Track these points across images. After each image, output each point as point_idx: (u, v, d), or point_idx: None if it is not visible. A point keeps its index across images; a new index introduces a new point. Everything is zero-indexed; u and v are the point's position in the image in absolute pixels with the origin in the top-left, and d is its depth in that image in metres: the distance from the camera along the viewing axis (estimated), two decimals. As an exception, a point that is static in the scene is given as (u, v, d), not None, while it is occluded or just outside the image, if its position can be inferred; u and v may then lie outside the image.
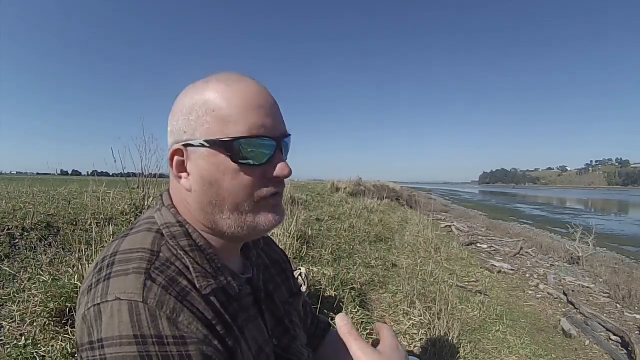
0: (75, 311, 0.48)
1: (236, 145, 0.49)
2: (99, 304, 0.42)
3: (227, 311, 0.51)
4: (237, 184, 0.50)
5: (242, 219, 0.52)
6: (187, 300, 0.46)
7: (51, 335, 1.29)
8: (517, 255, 5.99)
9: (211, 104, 0.50)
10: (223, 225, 0.52)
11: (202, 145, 0.49)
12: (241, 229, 0.52)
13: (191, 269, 0.49)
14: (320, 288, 2.20)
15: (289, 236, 2.97)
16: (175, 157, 0.52)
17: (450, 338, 2.17)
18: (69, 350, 1.22)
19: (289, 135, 0.56)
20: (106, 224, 2.26)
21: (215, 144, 0.49)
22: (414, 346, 2.11)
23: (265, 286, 0.64)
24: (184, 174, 0.53)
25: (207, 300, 0.48)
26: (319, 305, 2.03)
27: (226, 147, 0.49)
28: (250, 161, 0.50)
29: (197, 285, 0.48)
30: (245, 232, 0.53)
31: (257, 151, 0.50)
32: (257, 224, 0.52)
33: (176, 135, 0.52)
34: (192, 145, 0.50)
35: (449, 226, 8.76)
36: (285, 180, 0.55)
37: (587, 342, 2.75)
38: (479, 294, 3.41)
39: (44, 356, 1.18)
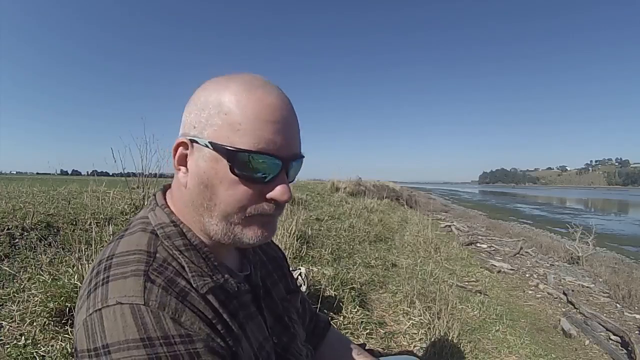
0: (75, 312, 0.48)
1: (239, 157, 0.47)
2: (100, 309, 0.42)
3: (227, 309, 0.50)
4: (232, 195, 0.48)
5: (230, 229, 0.50)
6: (188, 301, 0.45)
7: (51, 335, 1.29)
8: (517, 255, 5.99)
9: (225, 106, 0.48)
10: (210, 230, 0.51)
11: (207, 147, 0.48)
12: (227, 237, 0.51)
13: (187, 268, 0.49)
14: (320, 288, 2.20)
15: (289, 236, 2.98)
16: (180, 149, 0.51)
17: (450, 338, 2.17)
18: (69, 350, 1.22)
19: (302, 157, 0.53)
20: (106, 224, 2.26)
21: (218, 149, 0.47)
22: (414, 346, 2.11)
23: (263, 283, 0.64)
24: (183, 169, 0.52)
25: (206, 300, 0.48)
26: (319, 305, 2.03)
27: (229, 156, 0.47)
28: (251, 177, 0.48)
29: (194, 285, 0.48)
30: (231, 242, 0.51)
31: (260, 168, 0.48)
32: (244, 236, 0.51)
33: (186, 127, 0.51)
34: (197, 142, 0.49)
35: (449, 226, 8.76)
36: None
37: (587, 342, 2.75)
38: (479, 294, 3.41)
39: (44, 356, 1.18)
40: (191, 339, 0.42)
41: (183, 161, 0.52)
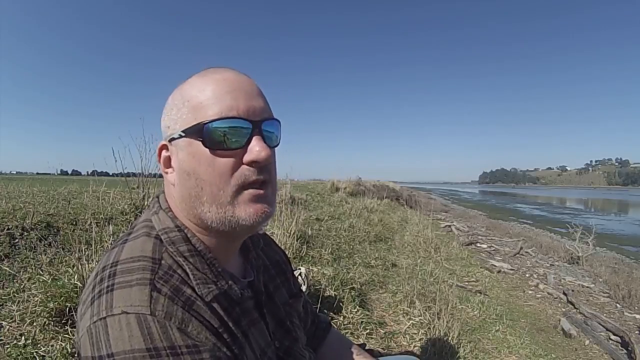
0: (75, 312, 0.48)
1: (207, 130, 0.47)
2: (105, 317, 0.41)
3: (230, 317, 0.50)
4: (213, 171, 0.48)
5: (223, 211, 0.49)
6: (194, 310, 0.45)
7: (51, 335, 1.28)
8: (517, 255, 5.99)
9: (187, 95, 0.50)
10: (207, 219, 0.50)
11: (181, 137, 0.50)
12: (223, 223, 0.49)
13: (191, 276, 0.48)
14: (320, 288, 2.20)
15: (289, 236, 2.97)
16: (162, 153, 0.53)
17: (450, 338, 2.17)
18: (69, 350, 1.22)
19: (274, 120, 0.53)
20: (106, 224, 2.26)
21: (189, 132, 0.49)
22: (414, 346, 2.11)
23: (266, 288, 0.63)
24: (169, 170, 0.53)
25: (212, 308, 0.48)
26: (319, 305, 2.02)
27: (198, 132, 0.48)
28: (224, 146, 0.48)
29: (199, 293, 0.47)
30: (228, 228, 0.49)
31: (230, 135, 0.48)
32: (238, 217, 0.49)
33: (163, 133, 0.54)
34: (174, 138, 0.51)
35: (449, 226, 8.76)
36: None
37: (587, 342, 2.75)
38: (479, 294, 3.41)
39: (44, 356, 1.18)
40: (198, 349, 0.42)
41: (168, 163, 0.53)
